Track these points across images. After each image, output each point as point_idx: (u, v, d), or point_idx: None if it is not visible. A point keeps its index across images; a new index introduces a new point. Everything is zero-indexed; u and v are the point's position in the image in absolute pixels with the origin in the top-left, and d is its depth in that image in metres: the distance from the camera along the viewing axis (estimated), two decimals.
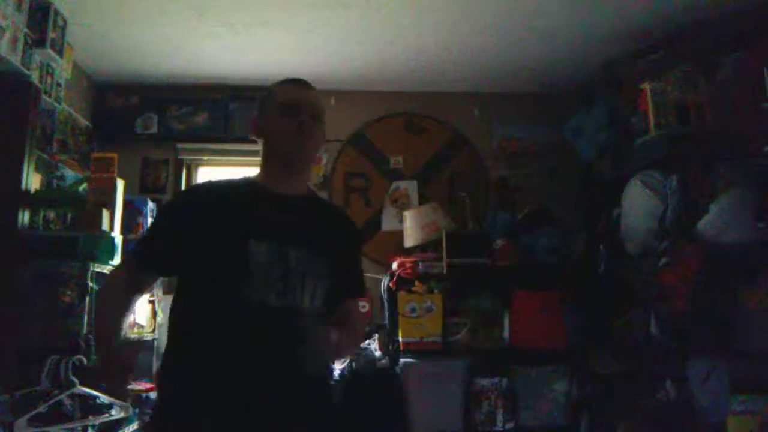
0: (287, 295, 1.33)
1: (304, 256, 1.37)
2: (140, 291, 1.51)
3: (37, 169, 2.68)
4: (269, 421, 1.29)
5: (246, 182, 1.51)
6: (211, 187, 1.50)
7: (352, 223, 1.65)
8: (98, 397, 2.48)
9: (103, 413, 2.51)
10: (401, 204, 3.66)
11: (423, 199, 3.65)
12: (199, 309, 1.36)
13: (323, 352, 1.41)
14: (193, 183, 1.48)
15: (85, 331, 2.42)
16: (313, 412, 1.37)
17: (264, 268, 1.32)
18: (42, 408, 2.23)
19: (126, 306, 1.48)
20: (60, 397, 2.30)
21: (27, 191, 2.49)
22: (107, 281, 1.45)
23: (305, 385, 1.34)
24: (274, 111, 1.45)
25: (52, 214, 2.76)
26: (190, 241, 1.35)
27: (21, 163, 2.46)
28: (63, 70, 2.77)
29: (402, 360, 2.94)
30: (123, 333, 1.45)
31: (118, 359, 1.42)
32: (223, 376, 1.29)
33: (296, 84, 1.49)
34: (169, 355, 1.42)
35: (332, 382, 1.60)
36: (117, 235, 2.73)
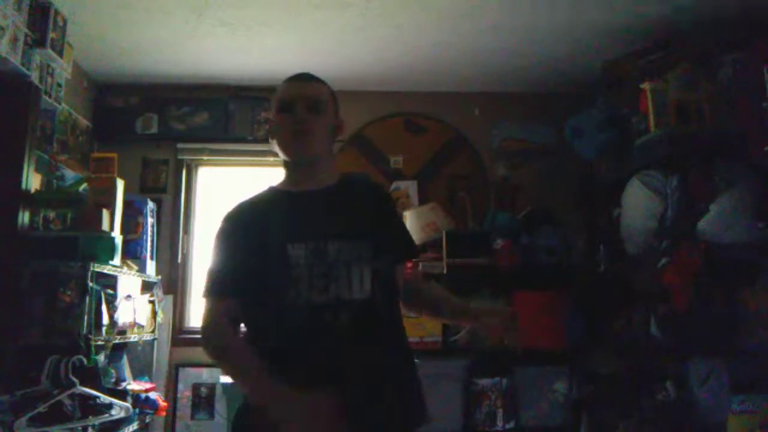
0: (332, 289, 1.32)
1: (343, 246, 1.35)
2: (237, 327, 1.42)
3: (37, 169, 2.68)
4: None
5: (270, 191, 1.51)
6: (242, 207, 1.49)
7: (384, 193, 1.64)
8: (98, 397, 2.48)
9: (103, 413, 2.51)
10: (401, 204, 3.65)
11: (423, 199, 3.64)
12: (258, 324, 1.38)
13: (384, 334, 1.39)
14: (227, 212, 1.47)
15: (85, 331, 2.42)
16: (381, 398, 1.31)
17: (306, 269, 1.32)
18: (42, 408, 2.23)
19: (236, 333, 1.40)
20: (60, 397, 2.30)
21: (27, 191, 2.49)
22: (208, 327, 1.38)
23: (373, 374, 1.31)
24: (276, 112, 1.46)
25: (52, 214, 2.76)
26: (243, 261, 1.36)
27: (21, 163, 2.46)
28: (63, 70, 2.77)
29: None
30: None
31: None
32: (285, 378, 1.25)
33: (294, 80, 1.48)
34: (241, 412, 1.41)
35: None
36: (117, 235, 2.73)
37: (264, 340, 1.34)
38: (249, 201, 1.51)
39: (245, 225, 1.42)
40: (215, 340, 1.37)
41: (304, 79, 1.48)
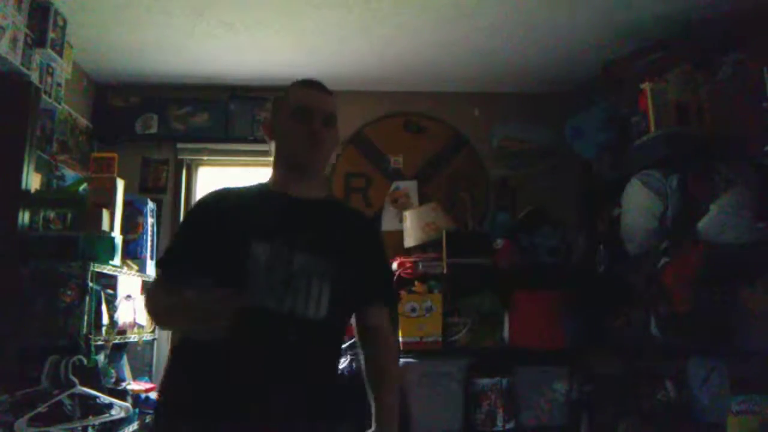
0: (288, 299, 1.29)
1: (311, 260, 1.33)
2: None
3: (37, 169, 2.68)
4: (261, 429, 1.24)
5: (257, 186, 1.50)
6: (223, 193, 1.48)
7: (372, 226, 1.61)
8: (98, 397, 2.48)
9: (103, 413, 2.51)
10: (401, 204, 3.66)
11: (423, 199, 3.64)
12: None
13: (324, 362, 1.36)
14: (209, 190, 1.47)
15: (84, 331, 2.42)
16: (310, 421, 1.30)
17: (265, 271, 1.29)
18: (42, 408, 2.23)
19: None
20: (60, 397, 2.30)
21: (27, 191, 2.49)
22: (150, 290, 1.43)
23: (303, 394, 1.29)
24: (287, 115, 1.44)
25: (52, 214, 2.76)
26: (203, 247, 1.35)
27: (21, 163, 2.46)
28: (63, 70, 2.77)
29: (402, 360, 2.94)
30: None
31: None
32: (216, 381, 1.26)
33: (311, 88, 1.47)
34: (172, 358, 1.40)
35: (339, 391, 1.44)
36: (117, 235, 2.73)
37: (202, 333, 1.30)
38: (234, 189, 1.50)
39: (220, 210, 1.41)
40: (152, 297, 1.42)
41: (322, 90, 1.48)
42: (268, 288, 1.29)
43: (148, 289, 1.47)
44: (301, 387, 1.30)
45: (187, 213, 1.46)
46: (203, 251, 1.34)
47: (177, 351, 1.39)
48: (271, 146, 1.49)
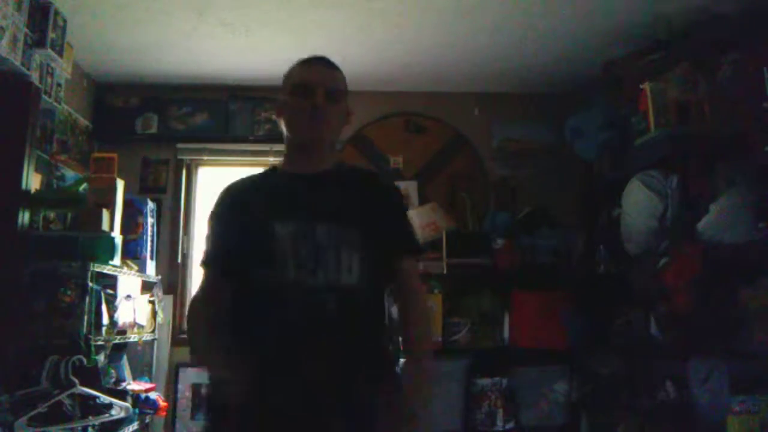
0: (320, 272, 1.30)
1: (334, 230, 1.33)
2: (226, 305, 1.41)
3: (37, 169, 2.68)
4: (310, 406, 1.24)
5: (269, 171, 1.53)
6: (237, 185, 1.50)
7: (385, 182, 1.60)
8: (98, 397, 2.48)
9: (103, 413, 2.51)
10: None
11: (423, 199, 3.64)
12: (240, 299, 1.35)
13: (367, 328, 1.36)
14: (223, 187, 1.50)
15: (84, 331, 2.42)
16: (355, 394, 1.28)
17: (292, 249, 1.30)
18: (42, 408, 2.23)
19: (223, 326, 1.40)
20: (60, 397, 2.30)
21: (27, 191, 2.49)
22: (198, 302, 1.42)
23: (349, 360, 1.28)
24: (289, 91, 1.44)
25: (52, 214, 2.76)
26: (232, 238, 1.38)
27: (21, 163, 2.46)
28: (63, 70, 2.77)
29: (402, 360, 2.94)
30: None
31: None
32: (262, 361, 1.26)
33: (313, 63, 1.46)
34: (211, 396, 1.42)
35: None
36: (117, 235, 2.73)
37: (246, 316, 1.33)
38: (249, 178, 1.53)
39: (239, 201, 1.43)
40: (197, 314, 1.41)
41: (324, 63, 1.47)
42: (298, 264, 1.30)
43: (194, 299, 1.46)
44: (347, 353, 1.29)
45: (211, 213, 1.46)
46: (234, 244, 1.37)
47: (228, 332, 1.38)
48: (282, 126, 1.48)
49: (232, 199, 1.46)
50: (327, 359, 1.26)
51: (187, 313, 1.40)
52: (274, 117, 1.54)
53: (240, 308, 1.35)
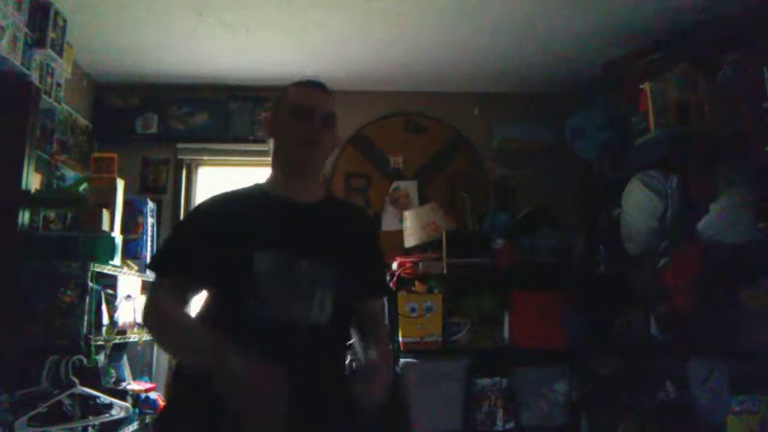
0: (292, 306, 1.29)
1: (312, 265, 1.33)
2: (184, 304, 1.38)
3: (37, 169, 2.68)
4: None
5: (255, 190, 1.48)
6: (222, 199, 1.46)
7: (367, 219, 1.62)
8: (98, 397, 2.48)
9: (103, 413, 2.51)
10: (401, 204, 3.66)
11: (423, 199, 3.64)
12: (209, 323, 1.32)
13: (336, 368, 1.36)
14: (205, 199, 1.47)
15: (85, 331, 2.42)
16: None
17: (269, 281, 1.29)
18: (42, 408, 2.23)
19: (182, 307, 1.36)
20: (60, 397, 2.30)
21: (27, 191, 2.49)
22: (149, 302, 1.37)
23: (313, 397, 1.26)
24: (285, 113, 1.43)
25: (52, 214, 2.76)
26: (202, 254, 1.32)
27: (21, 163, 2.46)
28: (63, 70, 2.77)
29: (402, 360, 2.94)
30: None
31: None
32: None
33: (310, 87, 1.46)
34: (177, 374, 1.37)
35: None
36: (117, 235, 2.73)
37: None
38: (231, 194, 1.48)
39: (219, 218, 1.38)
40: (154, 311, 1.32)
41: (322, 89, 1.46)
42: (271, 298, 1.29)
43: (148, 297, 1.42)
44: (311, 390, 1.27)
45: (186, 218, 1.44)
46: (202, 259, 1.32)
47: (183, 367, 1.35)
48: (270, 145, 1.48)
49: (214, 213, 1.41)
50: (296, 397, 1.21)
51: (141, 319, 1.36)
52: (261, 134, 1.52)
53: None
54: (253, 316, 1.28)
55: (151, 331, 1.35)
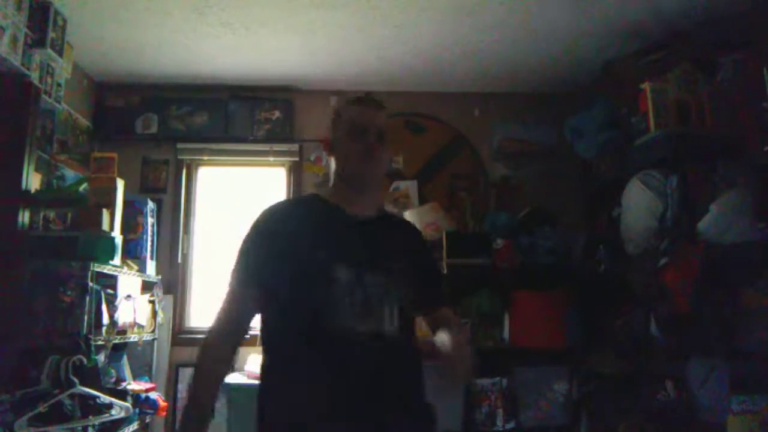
0: (370, 319, 1.35)
1: (380, 280, 1.38)
2: (245, 332, 1.47)
3: (37, 169, 2.68)
4: None
5: (318, 202, 1.54)
6: (279, 212, 1.51)
7: (420, 234, 1.69)
8: (98, 397, 2.48)
9: (103, 413, 2.51)
10: (401, 204, 3.65)
11: (423, 199, 3.64)
12: (290, 334, 1.38)
13: (416, 375, 1.42)
14: (265, 209, 1.52)
15: (85, 331, 2.42)
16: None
17: (347, 294, 1.34)
18: (42, 408, 2.23)
19: (230, 364, 1.45)
20: (60, 397, 2.30)
21: (27, 191, 2.49)
22: (213, 330, 1.43)
23: (401, 410, 1.34)
24: (343, 132, 1.49)
25: (52, 214, 2.76)
26: (276, 264, 1.38)
27: (21, 163, 2.46)
28: (63, 70, 2.77)
29: None
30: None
31: None
32: (316, 404, 1.30)
33: (366, 105, 1.52)
34: (266, 384, 1.42)
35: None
36: (117, 235, 2.73)
37: (290, 356, 1.36)
38: (292, 202, 1.58)
39: (284, 226, 1.45)
40: (207, 349, 1.41)
41: (376, 105, 1.53)
42: (353, 310, 1.34)
43: (210, 328, 1.47)
44: (392, 397, 1.35)
45: (248, 236, 1.47)
46: (275, 271, 1.38)
47: (272, 373, 1.41)
48: (331, 162, 1.55)
49: (277, 224, 1.46)
50: (378, 404, 1.31)
51: (202, 345, 1.42)
52: (324, 153, 1.59)
53: (292, 348, 1.37)
54: (333, 327, 1.32)
55: (197, 360, 1.42)
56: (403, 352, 1.40)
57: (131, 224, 3.13)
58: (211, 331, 1.42)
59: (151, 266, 3.28)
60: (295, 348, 1.35)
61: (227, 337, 1.43)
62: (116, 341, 2.81)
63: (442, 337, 1.37)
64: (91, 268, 2.47)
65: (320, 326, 1.33)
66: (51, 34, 2.56)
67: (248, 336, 1.49)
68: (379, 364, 1.33)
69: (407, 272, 1.45)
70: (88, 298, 2.44)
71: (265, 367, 1.42)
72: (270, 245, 1.42)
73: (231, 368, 1.43)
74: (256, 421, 1.38)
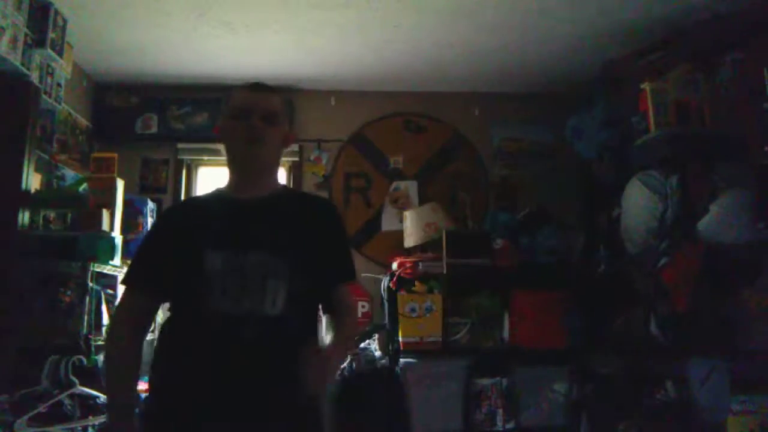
0: (244, 301, 1.32)
1: (264, 259, 1.35)
2: (146, 325, 1.49)
3: (37, 169, 2.68)
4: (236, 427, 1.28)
5: (213, 193, 1.55)
6: (181, 205, 1.57)
7: (327, 206, 1.64)
8: (98, 397, 2.48)
9: (103, 413, 2.51)
10: (401, 204, 3.66)
11: (423, 199, 3.64)
12: (171, 324, 1.41)
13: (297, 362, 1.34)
14: (166, 207, 1.57)
15: (85, 331, 2.42)
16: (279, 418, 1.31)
17: (220, 277, 1.33)
18: (42, 408, 2.23)
19: (136, 354, 1.44)
20: (60, 397, 2.30)
21: (27, 191, 2.49)
22: (112, 327, 1.48)
23: (267, 392, 1.30)
24: (227, 116, 1.48)
25: (52, 214, 2.76)
26: (164, 259, 1.40)
27: (21, 163, 2.46)
28: (63, 70, 2.77)
29: (402, 360, 2.94)
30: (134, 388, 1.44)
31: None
32: (189, 387, 1.30)
33: (249, 88, 1.50)
34: (152, 368, 1.43)
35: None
36: (117, 235, 2.73)
37: (172, 343, 1.38)
38: (192, 199, 1.58)
39: (177, 222, 1.47)
40: (110, 345, 1.48)
41: (260, 88, 1.50)
42: (222, 293, 1.32)
43: (112, 318, 1.51)
44: (266, 383, 1.31)
45: (150, 228, 1.50)
46: (163, 265, 1.40)
47: (156, 358, 1.42)
48: (223, 150, 1.52)
49: (169, 222, 1.51)
50: (247, 388, 1.28)
51: (104, 336, 1.45)
52: (218, 142, 1.56)
53: (167, 333, 1.40)
54: (206, 312, 1.31)
55: (106, 353, 1.46)
56: (288, 334, 1.34)
57: (131, 224, 3.13)
58: (108, 334, 1.47)
59: None
60: (172, 339, 1.38)
61: (125, 335, 1.43)
62: None
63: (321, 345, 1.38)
64: (91, 268, 2.47)
65: (196, 313, 1.33)
66: (51, 35, 2.56)
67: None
68: (254, 348, 1.29)
69: (299, 249, 1.39)
70: (88, 298, 2.44)
71: (153, 362, 1.42)
72: (162, 241, 1.44)
73: (137, 359, 1.44)
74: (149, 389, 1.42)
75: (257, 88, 1.50)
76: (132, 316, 1.44)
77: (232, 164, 1.49)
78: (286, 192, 1.59)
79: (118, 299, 1.48)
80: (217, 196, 1.52)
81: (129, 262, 1.50)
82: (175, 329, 1.39)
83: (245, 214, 1.43)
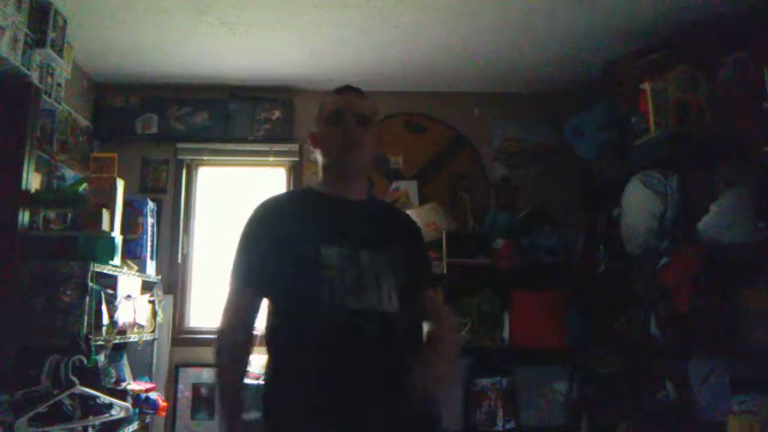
0: (364, 296, 1.35)
1: (375, 257, 1.40)
2: (254, 323, 1.47)
3: (37, 169, 2.68)
4: (359, 422, 1.31)
5: (306, 191, 1.58)
6: (273, 203, 1.53)
7: (411, 220, 1.69)
8: (98, 397, 2.48)
9: (103, 413, 2.51)
10: (401, 204, 3.65)
11: (423, 199, 3.64)
12: (286, 320, 1.41)
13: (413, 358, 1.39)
14: (259, 203, 1.53)
15: (85, 331, 2.42)
16: (399, 410, 1.34)
17: (338, 273, 1.35)
18: (42, 408, 2.23)
19: (249, 352, 1.44)
20: (60, 397, 2.30)
21: (27, 191, 2.49)
22: (226, 327, 1.43)
23: (394, 384, 1.33)
24: (323, 122, 1.52)
25: (52, 214, 2.76)
26: (272, 256, 1.40)
27: (21, 163, 2.46)
28: (63, 70, 2.77)
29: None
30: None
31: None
32: (314, 383, 1.32)
33: (342, 92, 1.53)
34: (268, 370, 1.45)
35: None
36: (117, 235, 2.73)
37: (288, 338, 1.38)
38: (285, 196, 1.60)
39: (277, 219, 1.47)
40: (228, 344, 1.41)
41: (352, 91, 1.53)
42: (343, 288, 1.35)
43: (222, 320, 1.47)
44: (389, 376, 1.34)
45: (245, 231, 1.49)
46: (272, 261, 1.40)
47: (271, 359, 1.45)
48: (318, 156, 1.56)
49: (271, 217, 1.48)
50: (375, 380, 1.33)
51: (215, 340, 1.43)
52: (309, 148, 1.59)
53: (283, 330, 1.40)
54: (328, 306, 1.33)
55: (214, 359, 1.42)
56: (404, 330, 1.40)
57: (131, 224, 3.13)
58: (222, 328, 1.43)
59: (151, 266, 3.28)
60: (290, 335, 1.38)
61: (238, 330, 1.42)
62: (116, 341, 2.80)
63: (432, 330, 1.40)
64: (91, 268, 2.47)
65: (316, 307, 1.34)
66: (51, 35, 2.55)
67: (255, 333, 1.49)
68: (378, 342, 1.34)
69: (399, 252, 1.45)
70: (87, 298, 2.44)
71: (268, 363, 1.44)
72: (265, 239, 1.44)
73: (250, 353, 1.43)
74: (263, 409, 1.41)
75: (349, 90, 1.53)
76: (244, 315, 1.43)
77: (329, 168, 1.52)
78: (376, 197, 1.66)
79: (226, 299, 1.45)
80: (315, 194, 1.54)
81: (233, 261, 1.47)
82: (291, 323, 1.39)
83: (354, 213, 1.47)
